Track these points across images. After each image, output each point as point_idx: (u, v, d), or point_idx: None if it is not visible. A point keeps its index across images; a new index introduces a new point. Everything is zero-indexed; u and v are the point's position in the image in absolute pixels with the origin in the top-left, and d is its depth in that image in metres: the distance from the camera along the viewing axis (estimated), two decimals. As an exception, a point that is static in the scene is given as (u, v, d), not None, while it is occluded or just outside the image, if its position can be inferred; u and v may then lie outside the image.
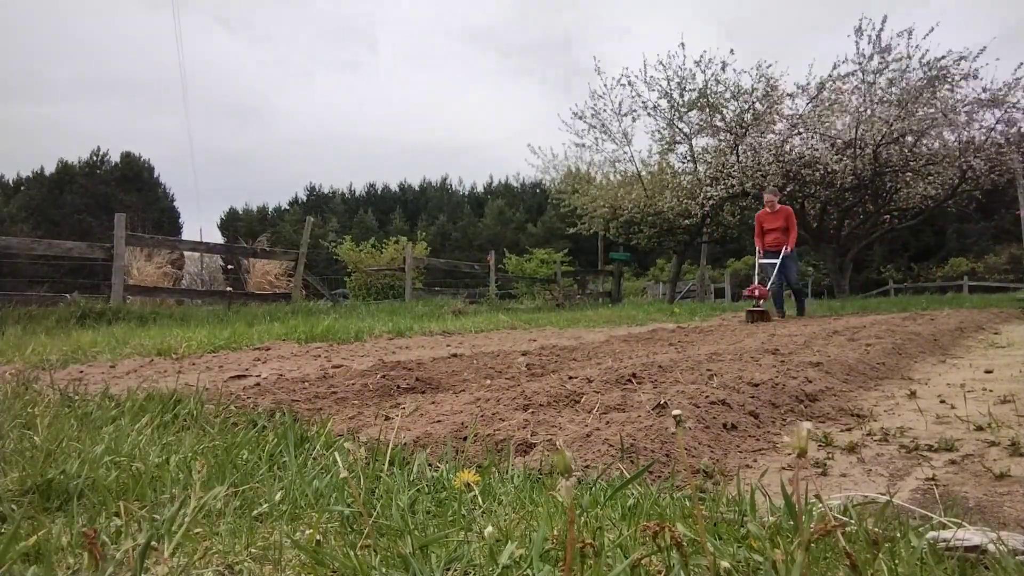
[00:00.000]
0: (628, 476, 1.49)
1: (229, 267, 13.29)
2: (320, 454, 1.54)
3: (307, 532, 1.00)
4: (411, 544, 0.97)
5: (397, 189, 57.59)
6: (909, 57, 17.37)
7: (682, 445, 1.70)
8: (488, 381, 2.98)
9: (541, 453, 1.73)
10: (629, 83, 19.95)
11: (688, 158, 21.17)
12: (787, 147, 18.41)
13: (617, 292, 18.71)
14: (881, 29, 17.59)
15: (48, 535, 0.93)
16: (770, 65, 19.76)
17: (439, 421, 2.01)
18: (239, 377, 3.22)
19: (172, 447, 1.54)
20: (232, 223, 48.22)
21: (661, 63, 20.60)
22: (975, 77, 17.19)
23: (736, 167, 18.36)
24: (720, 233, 23.03)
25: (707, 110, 19.66)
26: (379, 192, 57.37)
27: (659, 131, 20.76)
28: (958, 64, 17.20)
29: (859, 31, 17.78)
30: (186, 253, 12.73)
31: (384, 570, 0.90)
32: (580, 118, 20.98)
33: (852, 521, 1.02)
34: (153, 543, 0.80)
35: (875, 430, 2.06)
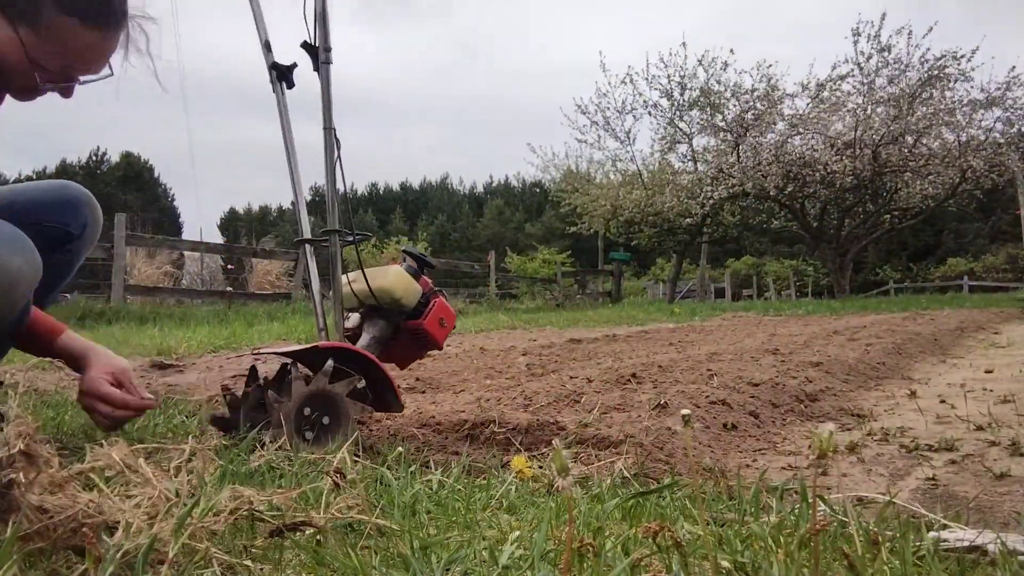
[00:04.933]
0: (627, 475, 1.49)
1: (229, 267, 13.28)
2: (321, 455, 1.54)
3: (307, 532, 1.00)
4: (412, 544, 0.97)
5: (398, 189, 57.56)
6: (910, 57, 17.37)
7: (690, 445, 1.71)
8: (488, 381, 2.98)
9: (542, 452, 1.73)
10: (631, 81, 19.97)
11: (688, 157, 21.18)
12: (787, 147, 18.41)
13: (617, 292, 18.71)
14: (880, 28, 17.60)
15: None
16: (771, 65, 19.80)
17: (440, 421, 2.01)
18: (239, 377, 3.22)
19: (172, 449, 1.54)
20: (232, 223, 48.23)
21: (662, 61, 20.62)
22: (966, 79, 17.22)
23: (736, 167, 18.35)
24: (720, 233, 23.04)
25: (708, 109, 19.68)
26: (380, 192, 57.30)
27: (660, 129, 20.77)
28: (958, 63, 17.21)
29: (856, 32, 17.77)
30: (186, 253, 12.73)
31: (384, 570, 0.90)
32: (583, 112, 20.98)
33: (852, 520, 1.02)
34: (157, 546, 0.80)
35: (875, 430, 2.06)
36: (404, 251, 1.96)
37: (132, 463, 0.91)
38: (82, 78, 1.51)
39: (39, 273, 1.47)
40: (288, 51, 1.87)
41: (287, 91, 1.86)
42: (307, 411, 1.57)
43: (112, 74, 1.54)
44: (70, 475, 0.82)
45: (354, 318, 1.90)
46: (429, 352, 2.00)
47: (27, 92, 1.50)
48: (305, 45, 1.81)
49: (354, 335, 1.85)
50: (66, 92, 1.52)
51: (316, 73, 1.82)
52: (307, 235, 1.81)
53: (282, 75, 1.85)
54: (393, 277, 1.83)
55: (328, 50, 1.82)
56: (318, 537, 0.99)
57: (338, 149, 1.80)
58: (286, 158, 1.84)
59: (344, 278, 1.82)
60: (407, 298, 1.84)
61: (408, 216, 50.92)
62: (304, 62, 1.84)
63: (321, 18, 1.81)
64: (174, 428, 1.81)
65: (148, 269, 11.21)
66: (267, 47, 1.86)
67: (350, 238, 1.81)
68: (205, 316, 7.98)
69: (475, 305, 12.92)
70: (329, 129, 1.80)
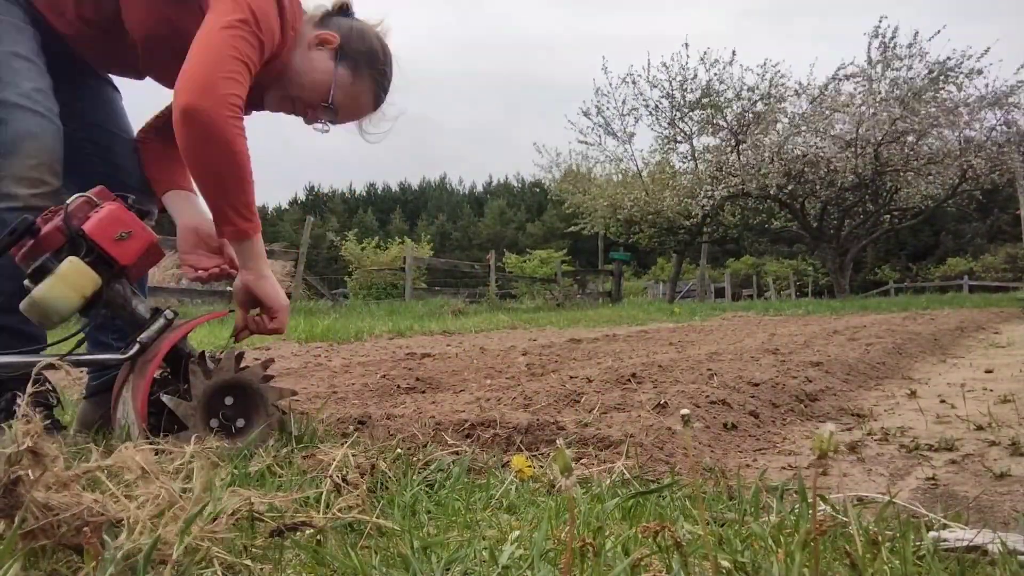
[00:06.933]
0: (627, 475, 1.49)
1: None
2: (322, 455, 1.54)
3: (307, 532, 1.00)
4: (412, 544, 0.97)
5: (397, 189, 57.54)
6: (920, 55, 17.39)
7: (690, 445, 1.71)
8: (488, 381, 2.98)
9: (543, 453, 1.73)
10: (633, 82, 20.00)
11: (689, 157, 21.20)
12: (788, 146, 18.42)
13: (617, 292, 18.71)
14: (894, 36, 17.63)
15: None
16: (776, 64, 19.84)
17: (440, 421, 2.01)
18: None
19: (173, 450, 1.54)
20: (232, 223, 48.11)
21: (664, 64, 20.64)
22: (979, 74, 17.21)
23: (737, 166, 18.36)
24: (720, 233, 23.05)
25: (709, 109, 19.70)
26: (379, 192, 57.28)
27: (659, 129, 20.78)
28: (961, 64, 17.23)
29: (876, 34, 17.75)
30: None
31: (384, 570, 0.90)
32: (586, 115, 21.03)
33: (853, 520, 1.02)
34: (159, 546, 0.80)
35: (875, 430, 2.06)
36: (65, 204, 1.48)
37: (135, 464, 0.91)
38: (316, 124, 1.84)
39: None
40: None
41: None
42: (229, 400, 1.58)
43: (328, 131, 1.88)
44: (75, 474, 0.83)
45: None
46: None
47: (303, 109, 1.82)
48: None
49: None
50: (310, 119, 1.83)
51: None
52: None
53: None
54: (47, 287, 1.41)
55: None
56: (318, 537, 0.99)
57: None
58: None
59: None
60: (68, 299, 1.42)
61: (408, 216, 50.91)
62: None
63: None
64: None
65: (156, 271, 11.24)
66: None
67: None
68: (205, 316, 7.97)
69: (475, 305, 12.92)
70: None
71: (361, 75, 1.79)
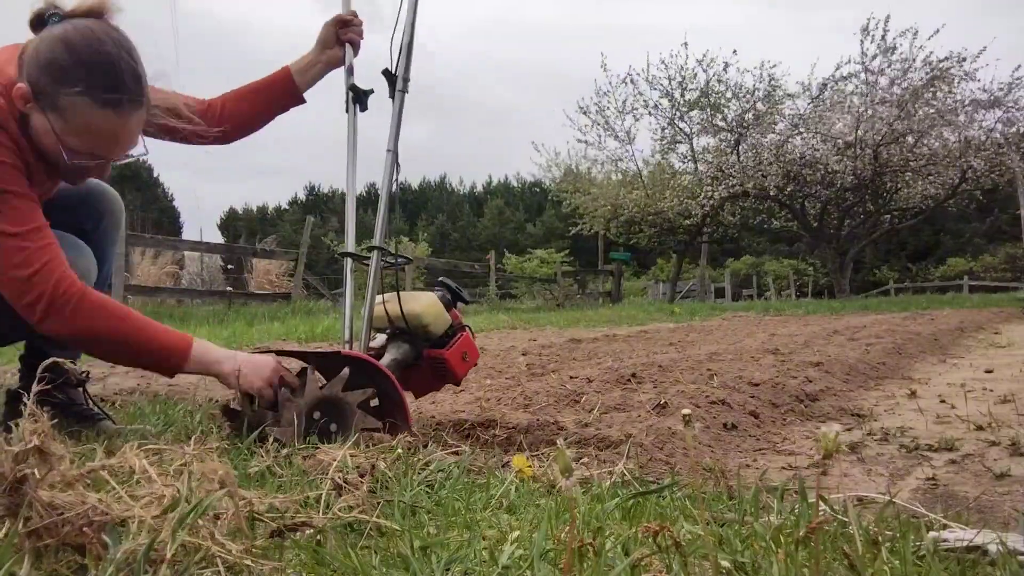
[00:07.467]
0: (627, 475, 1.49)
1: (229, 267, 13.28)
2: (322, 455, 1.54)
3: (307, 532, 1.00)
4: (412, 544, 0.97)
5: (397, 189, 57.39)
6: (913, 59, 17.37)
7: (691, 445, 1.71)
8: (488, 381, 2.98)
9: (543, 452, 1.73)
10: (632, 81, 20.00)
11: (689, 157, 21.21)
12: (788, 147, 18.43)
13: (617, 292, 18.71)
14: (886, 30, 17.59)
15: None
16: (774, 65, 19.86)
17: (440, 421, 2.01)
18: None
19: (174, 450, 1.54)
20: (232, 223, 48.20)
21: (663, 62, 20.64)
22: (973, 79, 17.21)
23: (736, 167, 18.37)
24: (720, 233, 23.06)
25: (708, 110, 19.71)
26: (378, 192, 57.11)
27: (660, 130, 20.78)
28: (961, 65, 17.22)
29: (865, 30, 17.75)
30: (186, 253, 12.73)
31: (384, 570, 0.90)
32: (584, 112, 20.99)
33: (853, 520, 1.02)
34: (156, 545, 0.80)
35: (875, 430, 2.06)
36: (440, 281, 1.95)
37: (136, 464, 0.92)
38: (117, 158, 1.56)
39: (95, 274, 1.66)
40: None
41: (359, 113, 1.94)
42: (317, 415, 1.56)
43: (147, 152, 1.58)
44: (80, 473, 0.83)
45: (380, 338, 1.88)
46: (446, 385, 1.95)
47: (77, 175, 1.56)
48: (386, 72, 1.89)
49: (377, 354, 1.83)
50: (100, 171, 1.57)
51: (390, 99, 1.90)
52: (351, 249, 1.84)
53: (358, 97, 1.91)
54: (425, 303, 1.82)
55: (407, 80, 1.90)
56: (318, 537, 0.99)
57: (397, 171, 1.88)
58: (347, 174, 1.91)
59: (378, 297, 1.82)
60: (435, 326, 1.81)
61: (407, 216, 50.90)
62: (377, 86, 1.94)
63: (407, 50, 1.90)
64: (174, 429, 1.81)
65: (152, 269, 11.24)
66: (350, 70, 1.92)
67: (392, 258, 1.86)
68: (205, 316, 7.98)
69: (475, 305, 12.92)
70: (393, 152, 1.86)
71: (70, 105, 1.42)
